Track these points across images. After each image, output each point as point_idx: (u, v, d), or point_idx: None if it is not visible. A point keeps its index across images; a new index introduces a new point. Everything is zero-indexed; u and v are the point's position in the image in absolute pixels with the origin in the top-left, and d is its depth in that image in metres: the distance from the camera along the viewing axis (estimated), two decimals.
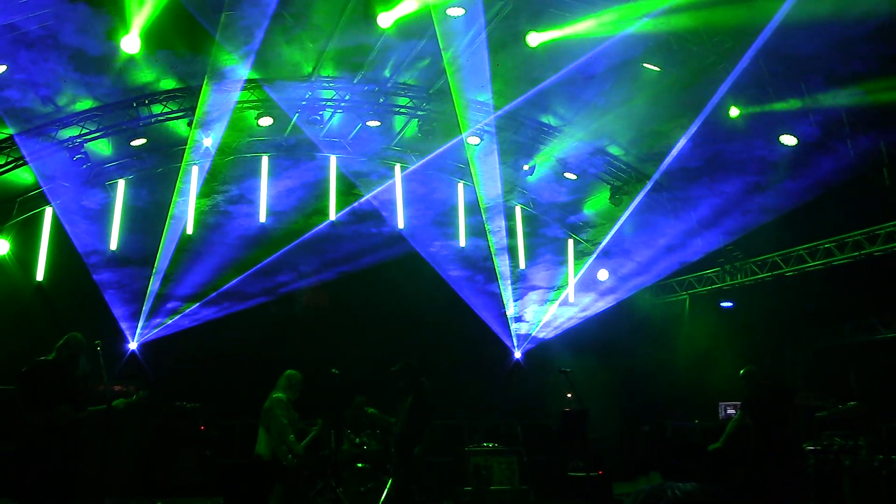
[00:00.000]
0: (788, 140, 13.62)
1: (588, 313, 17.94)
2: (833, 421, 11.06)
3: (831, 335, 16.14)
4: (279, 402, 9.39)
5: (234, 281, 15.27)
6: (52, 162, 13.85)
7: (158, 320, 14.91)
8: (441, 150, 15.73)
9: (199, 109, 13.56)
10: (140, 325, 14.70)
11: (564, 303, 18.10)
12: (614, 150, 16.23)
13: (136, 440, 12.00)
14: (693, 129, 13.78)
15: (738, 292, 16.77)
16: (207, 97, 13.44)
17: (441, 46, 12.98)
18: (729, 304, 17.00)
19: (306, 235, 15.77)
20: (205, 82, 13.17)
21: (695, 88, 13.11)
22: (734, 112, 13.54)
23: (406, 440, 9.86)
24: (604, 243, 17.38)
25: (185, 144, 14.37)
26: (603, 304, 17.91)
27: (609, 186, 16.66)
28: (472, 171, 16.36)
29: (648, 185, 15.92)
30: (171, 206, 14.63)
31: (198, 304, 15.18)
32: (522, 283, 17.94)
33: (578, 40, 12.62)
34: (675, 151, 14.56)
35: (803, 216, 14.11)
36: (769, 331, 15.20)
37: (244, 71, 13.28)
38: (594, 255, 17.77)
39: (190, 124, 13.87)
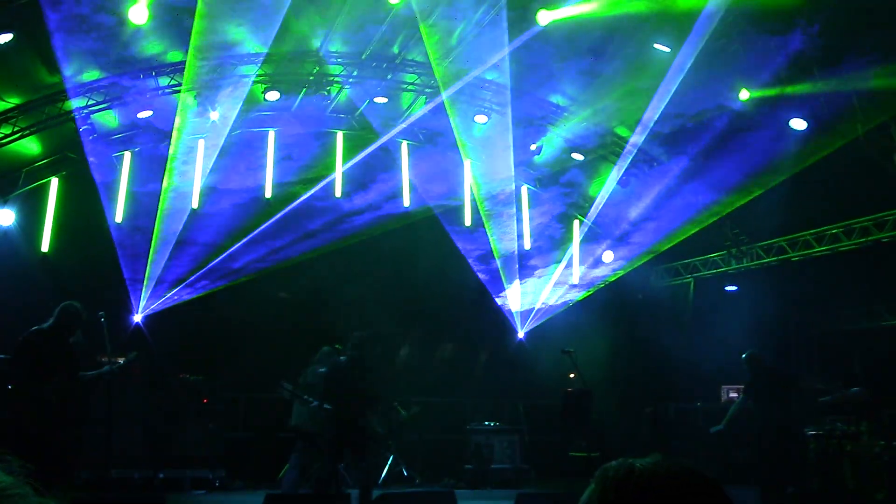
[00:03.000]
0: (798, 124, 13.52)
1: (591, 294, 17.92)
2: (836, 406, 11.11)
3: (836, 321, 16.11)
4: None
5: (233, 250, 15.25)
6: (59, 132, 13.80)
7: (162, 293, 14.92)
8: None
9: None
10: (144, 297, 14.70)
11: (568, 283, 18.07)
12: (621, 130, 16.15)
13: (140, 412, 12.05)
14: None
15: (743, 276, 16.74)
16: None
17: (449, 23, 12.91)
18: (734, 288, 16.96)
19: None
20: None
21: (706, 69, 12.98)
22: (744, 95, 13.45)
23: (318, 417, 9.74)
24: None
25: (192, 118, 14.32)
26: (606, 285, 17.90)
27: (616, 167, 16.59)
28: (478, 149, 16.31)
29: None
30: (167, 178, 14.52)
31: (200, 277, 15.16)
32: (527, 263, 17.90)
33: (589, 19, 12.53)
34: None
35: (810, 201, 14.04)
36: (773, 315, 15.17)
37: (251, 44, 13.20)
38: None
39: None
